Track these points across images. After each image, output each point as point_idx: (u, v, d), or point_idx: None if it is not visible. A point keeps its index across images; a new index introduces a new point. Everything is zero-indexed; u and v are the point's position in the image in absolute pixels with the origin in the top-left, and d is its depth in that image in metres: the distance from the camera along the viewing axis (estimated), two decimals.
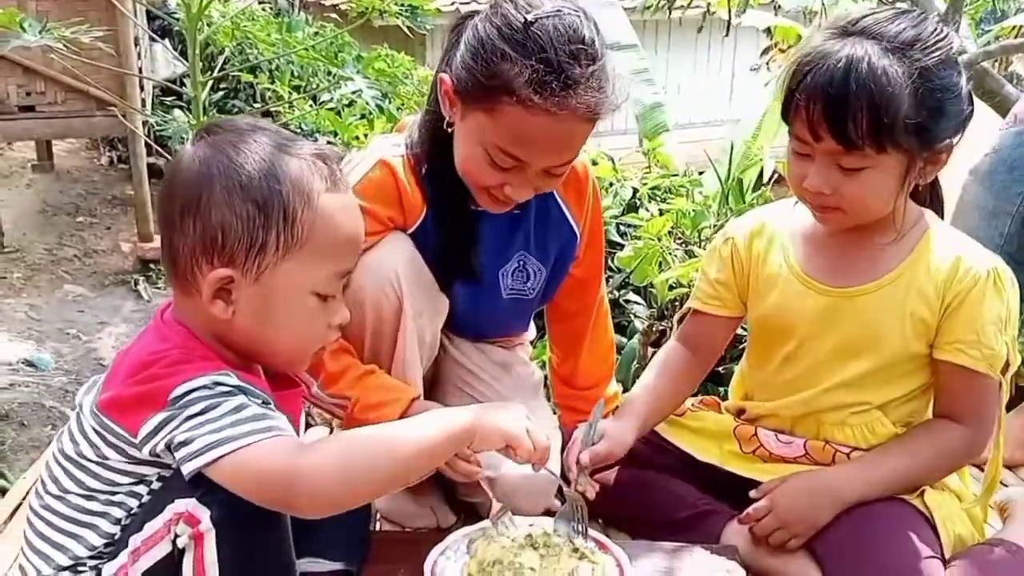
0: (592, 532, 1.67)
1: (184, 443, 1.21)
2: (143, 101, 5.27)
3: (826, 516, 1.68)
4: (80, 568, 1.32)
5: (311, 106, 4.66)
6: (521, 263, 1.93)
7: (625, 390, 2.94)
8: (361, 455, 1.28)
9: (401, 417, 1.68)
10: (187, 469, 1.21)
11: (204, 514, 1.23)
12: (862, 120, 1.55)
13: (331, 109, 4.50)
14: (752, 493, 1.76)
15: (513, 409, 1.44)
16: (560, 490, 1.85)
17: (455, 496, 1.94)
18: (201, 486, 1.23)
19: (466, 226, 1.81)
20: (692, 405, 1.97)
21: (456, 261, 1.80)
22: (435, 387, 1.98)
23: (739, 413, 1.91)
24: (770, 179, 3.87)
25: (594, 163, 3.75)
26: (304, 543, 1.45)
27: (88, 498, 1.31)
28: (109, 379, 1.34)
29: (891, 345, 1.71)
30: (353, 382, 1.72)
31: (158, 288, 5.21)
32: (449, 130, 1.70)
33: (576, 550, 1.63)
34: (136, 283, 5.21)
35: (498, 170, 1.64)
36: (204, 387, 1.24)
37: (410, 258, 1.75)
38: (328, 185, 1.35)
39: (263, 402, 1.29)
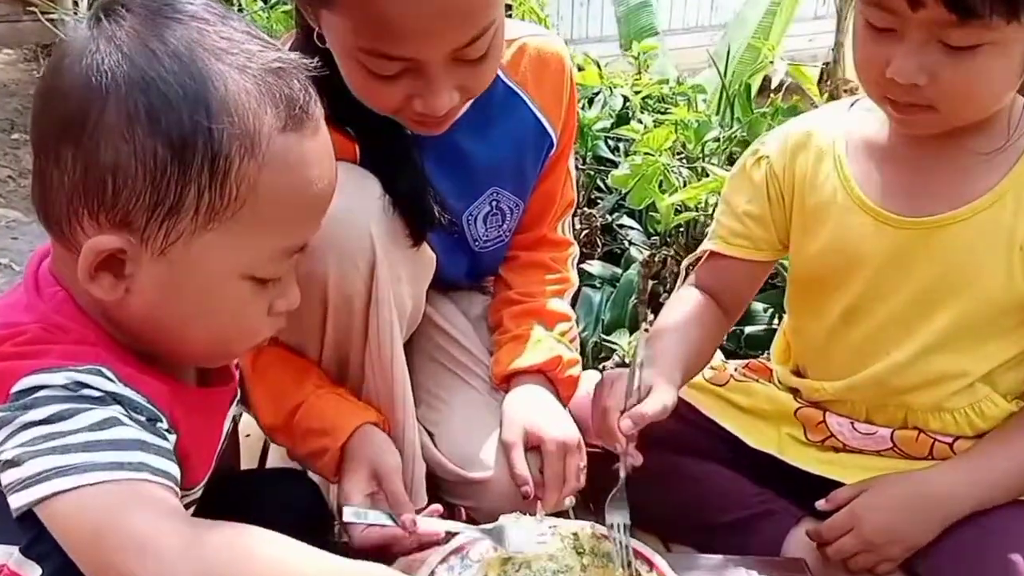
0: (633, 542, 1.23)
1: (13, 463, 0.80)
2: (75, 3, 4.62)
3: (929, 534, 1.24)
4: None
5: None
6: (494, 203, 1.43)
7: (624, 328, 2.51)
8: None
9: (339, 467, 1.24)
10: (13, 503, 0.80)
11: (33, 573, 0.84)
12: None
13: None
14: (820, 504, 1.31)
15: None
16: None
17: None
18: (32, 529, 0.82)
19: (405, 159, 1.27)
20: (736, 371, 1.50)
21: (407, 205, 1.27)
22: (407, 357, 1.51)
23: (795, 393, 1.43)
24: (780, 86, 3.35)
25: (580, 68, 3.23)
26: None
27: None
28: None
29: (991, 288, 1.23)
30: (285, 422, 1.27)
31: None
32: (324, 45, 1.16)
33: (629, 563, 1.19)
34: None
35: (388, 81, 1.11)
36: (61, 387, 0.82)
37: (383, 206, 1.24)
38: (287, 121, 0.85)
39: (149, 419, 0.84)
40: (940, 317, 1.26)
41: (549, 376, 1.43)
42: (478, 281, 1.58)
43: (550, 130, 1.41)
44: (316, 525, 1.24)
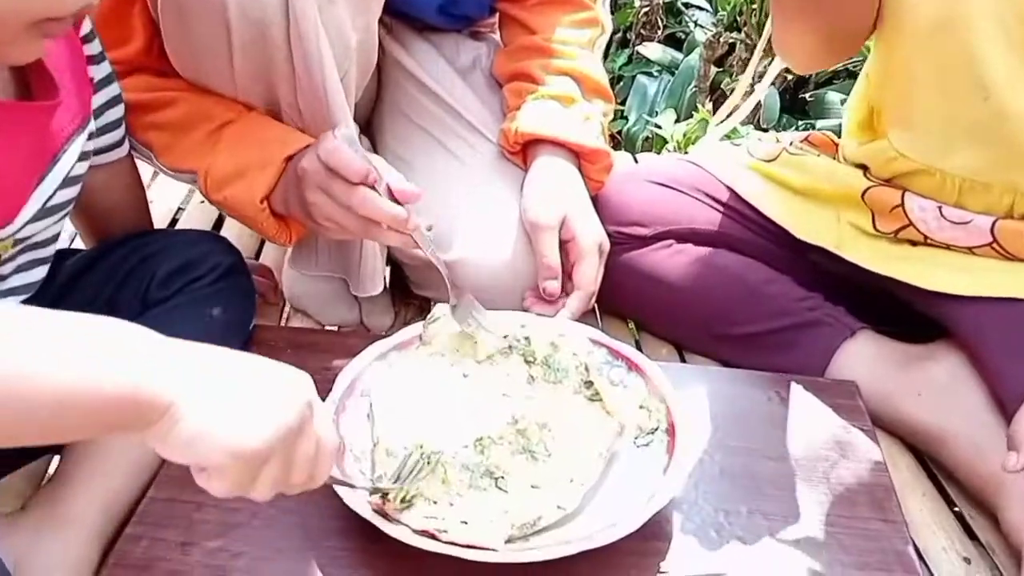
0: (621, 346, 0.89)
1: None
2: None
3: None
4: None
5: None
6: None
7: (672, 110, 2.09)
8: None
9: (272, 191, 0.88)
10: None
11: None
12: None
13: None
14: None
15: (282, 392, 0.54)
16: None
17: (405, 286, 1.13)
18: None
19: None
20: (791, 144, 1.10)
21: None
22: (374, 110, 1.15)
23: (864, 170, 1.01)
24: None
25: None
26: None
27: None
28: None
29: None
30: (199, 146, 0.90)
31: None
32: None
33: (589, 383, 0.85)
34: None
35: None
36: None
37: None
38: None
39: None
40: None
41: (584, 165, 1.05)
42: (458, 23, 1.16)
43: None
44: (240, 292, 0.94)
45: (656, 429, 0.80)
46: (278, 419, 0.51)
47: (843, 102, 2.03)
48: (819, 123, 1.96)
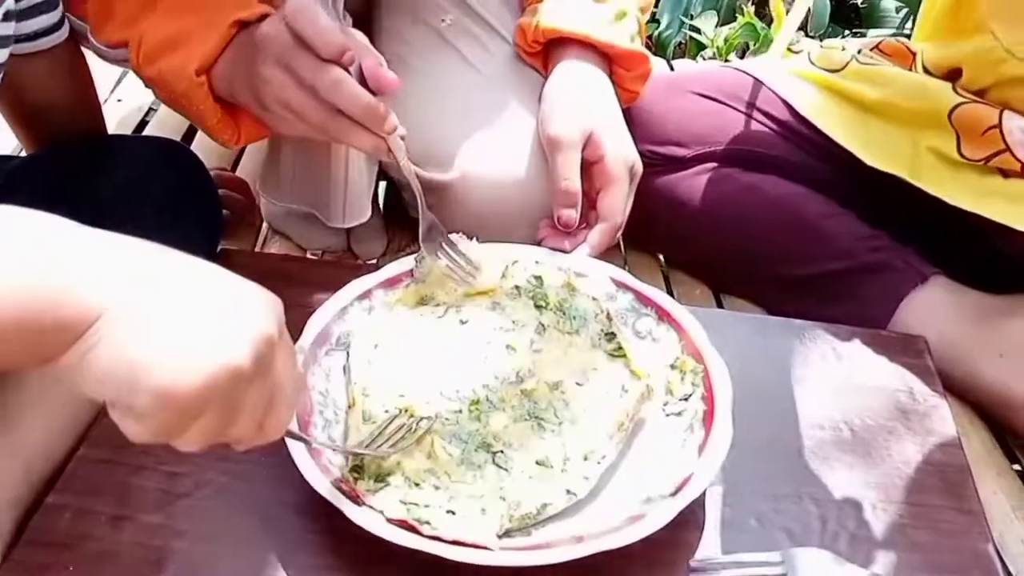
0: (650, 291, 0.74)
1: None
2: None
3: None
4: None
5: None
6: None
7: (713, 12, 1.89)
8: None
9: (215, 63, 0.71)
10: None
11: None
12: None
13: None
14: None
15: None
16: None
17: (400, 208, 0.98)
18: None
19: None
20: (859, 53, 0.92)
21: None
22: (371, 2, 0.98)
23: (953, 77, 0.85)
24: None
25: None
26: None
27: None
28: None
29: None
30: (137, 11, 0.74)
31: None
32: None
33: (610, 335, 0.70)
34: None
35: None
36: None
37: None
38: None
39: None
40: None
41: (616, 71, 0.88)
42: None
43: None
44: (204, 212, 0.79)
45: (691, 395, 0.66)
46: (225, 356, 0.39)
47: (898, 10, 1.84)
48: (871, 33, 1.78)
